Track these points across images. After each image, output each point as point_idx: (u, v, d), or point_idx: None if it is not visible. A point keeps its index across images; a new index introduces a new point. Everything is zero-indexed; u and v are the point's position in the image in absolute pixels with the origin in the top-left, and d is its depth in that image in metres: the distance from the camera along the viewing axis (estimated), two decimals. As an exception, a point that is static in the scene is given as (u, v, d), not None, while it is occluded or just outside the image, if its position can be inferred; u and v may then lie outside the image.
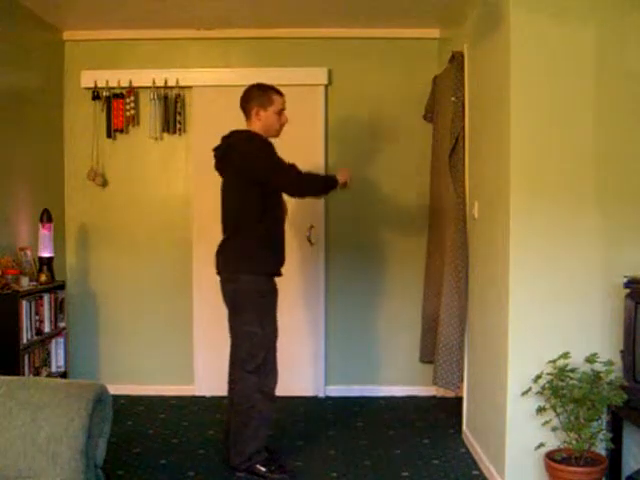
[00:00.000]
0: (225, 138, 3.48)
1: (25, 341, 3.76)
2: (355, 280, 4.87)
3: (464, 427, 3.99)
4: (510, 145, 3.07)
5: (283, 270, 3.54)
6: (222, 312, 3.49)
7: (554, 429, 2.98)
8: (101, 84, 4.74)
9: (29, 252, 4.16)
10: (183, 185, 4.88)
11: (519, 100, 3.06)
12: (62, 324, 4.31)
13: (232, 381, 3.48)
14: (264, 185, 3.36)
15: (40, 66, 4.60)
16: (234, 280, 3.39)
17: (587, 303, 3.09)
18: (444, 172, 4.07)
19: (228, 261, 3.44)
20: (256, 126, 3.44)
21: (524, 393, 3.05)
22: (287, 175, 3.37)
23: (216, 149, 3.50)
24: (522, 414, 3.08)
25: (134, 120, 4.79)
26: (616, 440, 2.95)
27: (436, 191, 4.51)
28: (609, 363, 2.94)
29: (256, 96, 3.44)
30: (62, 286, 4.33)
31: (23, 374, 3.71)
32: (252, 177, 3.35)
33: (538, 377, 3.01)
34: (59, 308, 4.26)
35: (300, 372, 4.83)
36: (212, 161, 3.52)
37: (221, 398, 4.16)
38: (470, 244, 3.82)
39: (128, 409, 4.50)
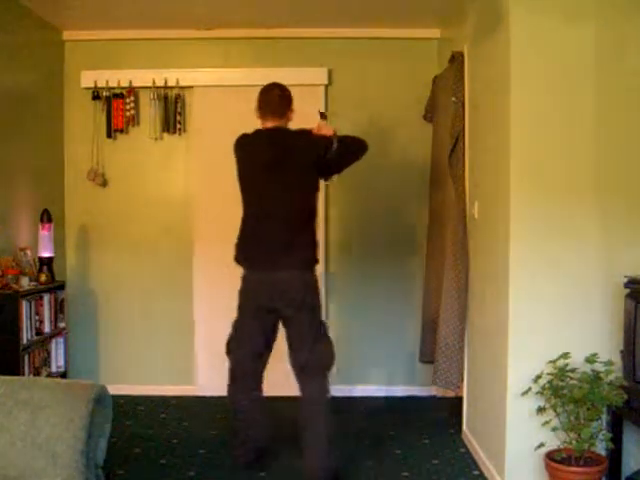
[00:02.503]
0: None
1: (25, 341, 3.76)
2: (355, 280, 4.87)
3: (464, 427, 3.99)
4: (510, 145, 3.07)
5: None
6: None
7: (554, 429, 2.98)
8: (101, 84, 4.74)
9: (29, 252, 4.16)
10: (183, 185, 4.87)
11: (519, 100, 3.06)
12: (62, 324, 4.31)
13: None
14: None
15: (40, 66, 4.59)
16: None
17: (587, 303, 3.09)
18: (444, 172, 4.07)
19: None
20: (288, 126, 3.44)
21: (524, 393, 3.05)
22: None
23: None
24: (522, 414, 3.08)
25: (134, 120, 4.79)
26: (616, 440, 2.94)
27: (436, 191, 4.51)
28: (609, 363, 2.93)
29: (290, 98, 3.42)
30: (62, 286, 4.33)
31: (23, 374, 3.71)
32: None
33: (538, 377, 3.01)
34: (59, 308, 4.26)
35: (300, 372, 4.81)
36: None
37: (222, 398, 4.15)
38: (470, 244, 3.82)
39: (128, 409, 4.50)
